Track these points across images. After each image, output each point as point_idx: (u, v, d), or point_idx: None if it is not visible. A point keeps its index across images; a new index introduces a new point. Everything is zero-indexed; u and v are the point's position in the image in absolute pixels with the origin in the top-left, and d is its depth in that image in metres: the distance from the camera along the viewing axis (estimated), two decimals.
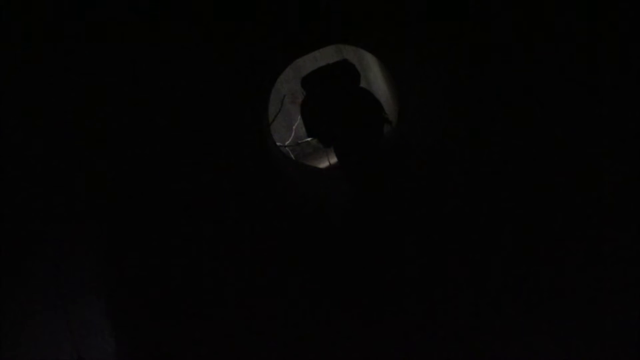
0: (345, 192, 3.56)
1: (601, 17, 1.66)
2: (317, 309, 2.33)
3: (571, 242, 2.06)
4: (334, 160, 3.98)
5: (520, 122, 2.32)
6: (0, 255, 1.47)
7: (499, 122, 2.50)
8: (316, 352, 2.11)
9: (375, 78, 6.21)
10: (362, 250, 2.71)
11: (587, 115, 1.88)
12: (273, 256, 2.60)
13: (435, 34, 2.69)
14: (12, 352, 1.37)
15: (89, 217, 2.00)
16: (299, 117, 3.80)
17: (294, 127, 6.14)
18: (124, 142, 2.22)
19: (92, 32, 1.88)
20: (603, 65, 1.73)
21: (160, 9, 2.05)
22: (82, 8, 1.77)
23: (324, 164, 5.07)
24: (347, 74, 3.40)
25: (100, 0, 1.83)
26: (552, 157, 2.15)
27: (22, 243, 1.59)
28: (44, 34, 1.70)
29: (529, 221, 2.29)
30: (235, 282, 2.40)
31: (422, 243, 2.62)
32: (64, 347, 1.55)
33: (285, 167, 4.08)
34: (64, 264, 1.78)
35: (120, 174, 2.19)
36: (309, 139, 5.89)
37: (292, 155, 5.87)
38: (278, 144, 5.31)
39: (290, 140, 6.31)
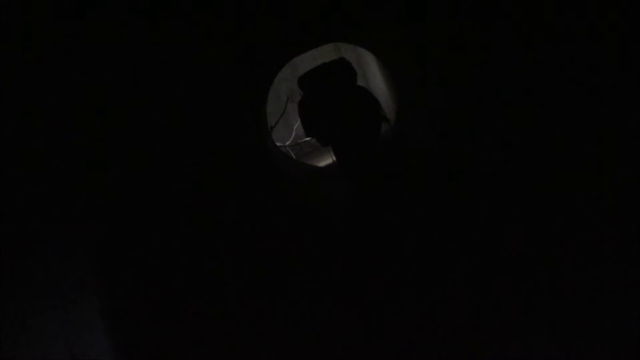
0: (345, 191, 3.56)
1: (601, 17, 1.66)
2: (317, 308, 2.32)
3: (571, 242, 2.06)
4: (333, 158, 3.98)
5: (520, 122, 2.32)
6: (0, 255, 1.47)
7: (499, 122, 2.50)
8: (316, 352, 2.11)
9: (373, 77, 6.21)
10: (362, 249, 2.71)
11: (587, 115, 1.88)
12: (273, 256, 2.60)
13: (435, 33, 2.68)
14: (11, 352, 1.37)
15: (89, 217, 2.00)
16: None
17: (294, 127, 6.12)
18: (124, 142, 2.22)
19: (92, 32, 1.88)
20: (603, 65, 1.73)
21: (160, 9, 2.05)
22: (82, 8, 1.77)
23: (323, 163, 5.08)
24: (344, 73, 3.40)
25: (100, 0, 1.83)
26: (552, 157, 2.15)
27: (22, 243, 1.59)
28: (44, 34, 1.70)
29: (529, 221, 2.29)
30: (235, 282, 2.40)
31: (422, 243, 2.61)
32: (62, 346, 1.55)
33: (285, 167, 4.08)
34: (64, 263, 1.78)
35: (120, 174, 2.19)
36: (307, 138, 5.89)
37: (293, 154, 5.86)
38: (278, 144, 5.30)
39: (290, 140, 6.30)
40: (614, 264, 1.85)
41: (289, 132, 6.35)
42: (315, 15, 2.67)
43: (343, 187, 3.61)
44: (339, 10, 2.70)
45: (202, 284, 2.33)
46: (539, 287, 2.08)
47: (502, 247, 2.35)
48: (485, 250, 2.38)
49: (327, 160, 4.94)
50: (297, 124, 3.93)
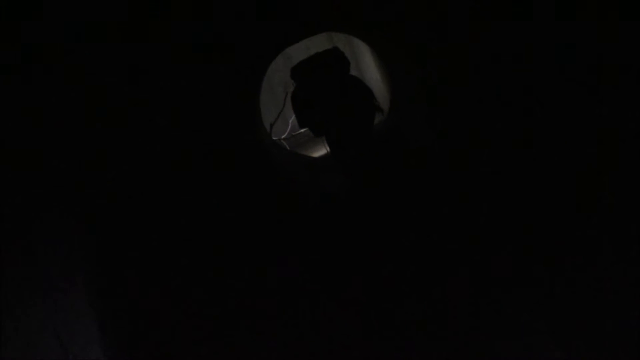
0: (339, 183, 3.54)
1: (601, 17, 1.66)
2: (317, 308, 2.33)
3: (571, 242, 2.06)
4: (327, 149, 3.94)
5: (520, 122, 2.32)
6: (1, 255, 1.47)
7: (499, 122, 2.50)
8: (316, 352, 2.11)
9: (367, 67, 6.16)
10: (361, 249, 2.71)
11: (587, 115, 1.88)
12: (273, 256, 2.60)
13: (435, 33, 2.69)
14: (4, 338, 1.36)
15: (89, 217, 2.00)
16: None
17: (290, 120, 6.08)
18: (124, 142, 2.22)
19: (92, 32, 1.88)
20: (603, 65, 1.73)
21: (160, 9, 2.05)
22: (82, 8, 1.77)
23: (318, 153, 5.08)
24: (337, 62, 3.36)
25: (100, 1, 1.83)
26: (552, 157, 2.15)
27: (22, 244, 1.59)
28: (44, 34, 1.70)
29: (529, 221, 2.29)
30: (235, 282, 2.40)
31: (422, 243, 2.62)
32: (51, 335, 1.55)
33: (284, 164, 4.08)
34: (65, 265, 1.78)
35: (120, 174, 2.19)
36: (302, 130, 5.86)
37: (287, 146, 5.82)
38: (274, 138, 5.29)
39: (286, 133, 6.25)
40: (614, 264, 1.85)
41: (284, 124, 6.28)
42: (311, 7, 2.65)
43: (337, 178, 3.58)
44: (340, 9, 2.71)
45: (202, 284, 2.33)
46: (539, 287, 2.08)
47: (502, 247, 2.35)
48: (485, 250, 2.38)
49: (321, 150, 4.95)
50: (293, 117, 3.91)
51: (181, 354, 2.07)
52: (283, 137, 6.16)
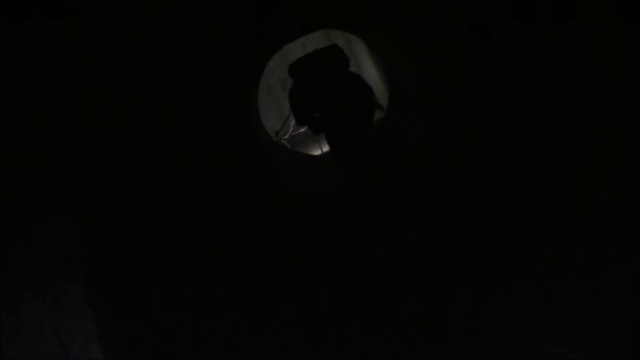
0: (339, 181, 3.52)
1: (601, 17, 1.66)
2: (316, 308, 2.33)
3: (571, 243, 2.06)
4: (326, 147, 3.89)
5: (520, 122, 2.32)
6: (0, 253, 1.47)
7: (499, 122, 2.50)
8: (316, 351, 2.11)
9: (364, 64, 6.14)
10: (361, 248, 2.71)
11: (587, 115, 1.88)
12: (273, 256, 2.60)
13: (435, 33, 2.69)
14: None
15: (89, 217, 2.00)
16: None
17: (292, 123, 6.06)
18: (124, 142, 2.22)
19: (92, 32, 1.88)
20: (602, 65, 1.74)
21: (160, 9, 2.05)
22: (82, 9, 1.77)
23: (317, 152, 5.06)
24: (337, 59, 3.33)
25: (100, 1, 1.83)
26: (552, 157, 2.15)
27: (22, 244, 1.59)
28: (43, 34, 1.70)
29: (529, 221, 2.29)
30: (235, 282, 2.40)
31: (422, 242, 2.61)
32: (50, 334, 1.55)
33: (283, 164, 4.08)
34: (65, 265, 1.78)
35: (120, 174, 2.19)
36: (302, 129, 5.82)
37: (288, 145, 5.79)
38: (276, 139, 5.27)
39: (287, 134, 6.22)
40: (614, 264, 1.85)
41: (282, 122, 6.24)
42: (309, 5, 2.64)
43: (337, 178, 3.56)
44: (340, 9, 2.70)
45: (202, 284, 2.33)
46: (539, 287, 2.08)
47: (502, 247, 2.35)
48: (485, 250, 2.38)
49: (319, 148, 4.94)
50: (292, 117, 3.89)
51: (181, 354, 2.06)
52: (286, 137, 6.14)
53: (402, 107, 4.03)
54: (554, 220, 2.16)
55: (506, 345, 1.94)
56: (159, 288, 2.19)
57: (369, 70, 5.89)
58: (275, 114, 6.27)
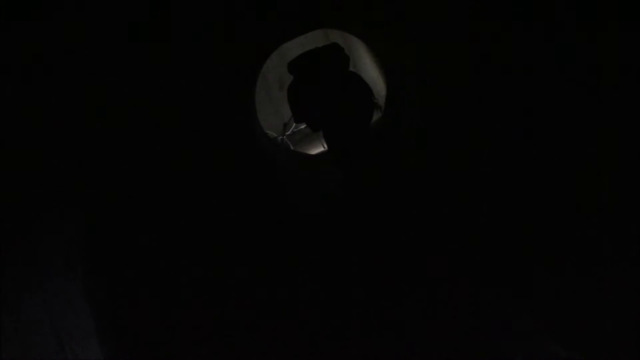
0: (339, 181, 3.52)
1: (601, 17, 1.66)
2: (316, 308, 2.33)
3: (571, 242, 2.06)
4: (324, 145, 3.88)
5: (520, 122, 2.32)
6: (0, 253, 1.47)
7: (499, 122, 2.50)
8: (316, 351, 2.11)
9: (363, 63, 6.14)
10: (361, 248, 2.71)
11: (587, 115, 1.88)
12: (273, 256, 2.60)
13: (435, 33, 2.69)
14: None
15: (89, 217, 2.00)
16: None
17: (293, 125, 6.07)
18: (124, 142, 2.22)
19: (92, 32, 1.88)
20: (602, 65, 1.73)
21: (160, 9, 2.05)
22: (82, 8, 1.77)
23: (316, 150, 5.06)
24: (337, 58, 3.32)
25: (100, 1, 1.83)
26: (552, 157, 2.15)
27: (22, 244, 1.59)
28: (43, 34, 1.70)
29: (529, 221, 2.29)
30: (235, 282, 2.40)
31: (422, 242, 2.61)
32: (48, 331, 1.55)
33: (283, 163, 4.08)
34: (65, 265, 1.78)
35: (120, 174, 2.19)
36: (302, 127, 5.82)
37: (290, 145, 5.80)
38: (276, 137, 5.26)
39: (289, 132, 6.23)
40: (614, 264, 1.85)
41: (279, 121, 6.25)
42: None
43: (337, 177, 3.56)
44: (340, 9, 2.70)
45: (202, 284, 2.33)
46: (539, 287, 2.08)
47: (502, 247, 2.35)
48: (485, 250, 2.38)
49: (319, 147, 4.93)
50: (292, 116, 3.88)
51: (181, 354, 2.06)
52: (287, 134, 6.15)
53: (402, 107, 4.03)
54: (554, 220, 2.16)
55: (506, 345, 1.94)
56: (159, 288, 2.19)
57: (368, 70, 5.89)
58: (273, 113, 6.27)
